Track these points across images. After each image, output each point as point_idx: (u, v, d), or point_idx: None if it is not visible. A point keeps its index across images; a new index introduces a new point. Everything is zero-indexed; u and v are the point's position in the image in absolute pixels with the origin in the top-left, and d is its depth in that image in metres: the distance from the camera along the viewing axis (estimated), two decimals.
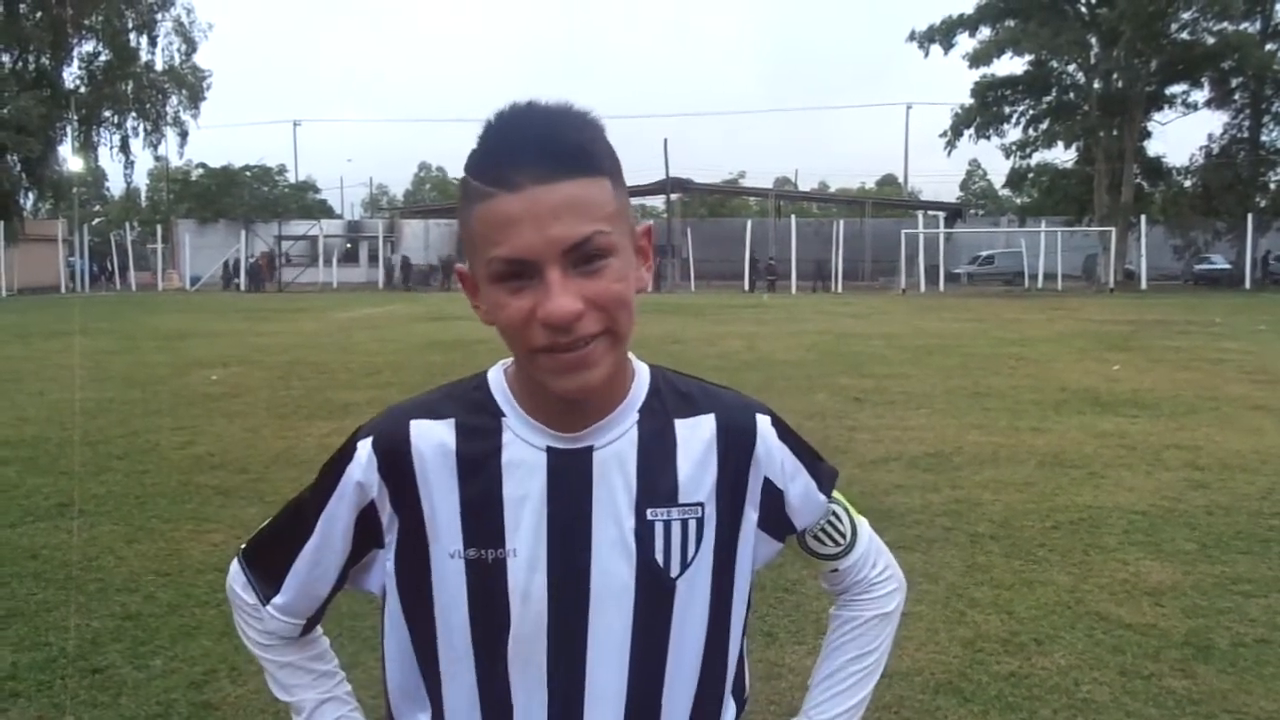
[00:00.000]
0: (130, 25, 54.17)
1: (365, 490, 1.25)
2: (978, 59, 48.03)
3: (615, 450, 1.24)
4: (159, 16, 55.04)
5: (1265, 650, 4.39)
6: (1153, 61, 45.72)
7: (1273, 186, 48.06)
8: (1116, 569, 5.49)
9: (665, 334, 20.29)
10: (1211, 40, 44.56)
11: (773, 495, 1.32)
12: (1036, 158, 52.13)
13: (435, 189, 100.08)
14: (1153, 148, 50.19)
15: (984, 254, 53.57)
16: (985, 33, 48.24)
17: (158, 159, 62.60)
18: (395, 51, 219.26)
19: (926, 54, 49.93)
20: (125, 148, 56.02)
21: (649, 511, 1.24)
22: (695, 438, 1.28)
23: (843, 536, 1.43)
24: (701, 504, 1.26)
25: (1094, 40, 46.53)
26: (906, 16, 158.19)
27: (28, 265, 47.43)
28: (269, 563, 1.36)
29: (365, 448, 1.26)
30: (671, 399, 1.29)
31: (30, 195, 54.07)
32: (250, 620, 1.39)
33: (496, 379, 1.28)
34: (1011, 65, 49.33)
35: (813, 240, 50.68)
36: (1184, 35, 45.38)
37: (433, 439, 1.25)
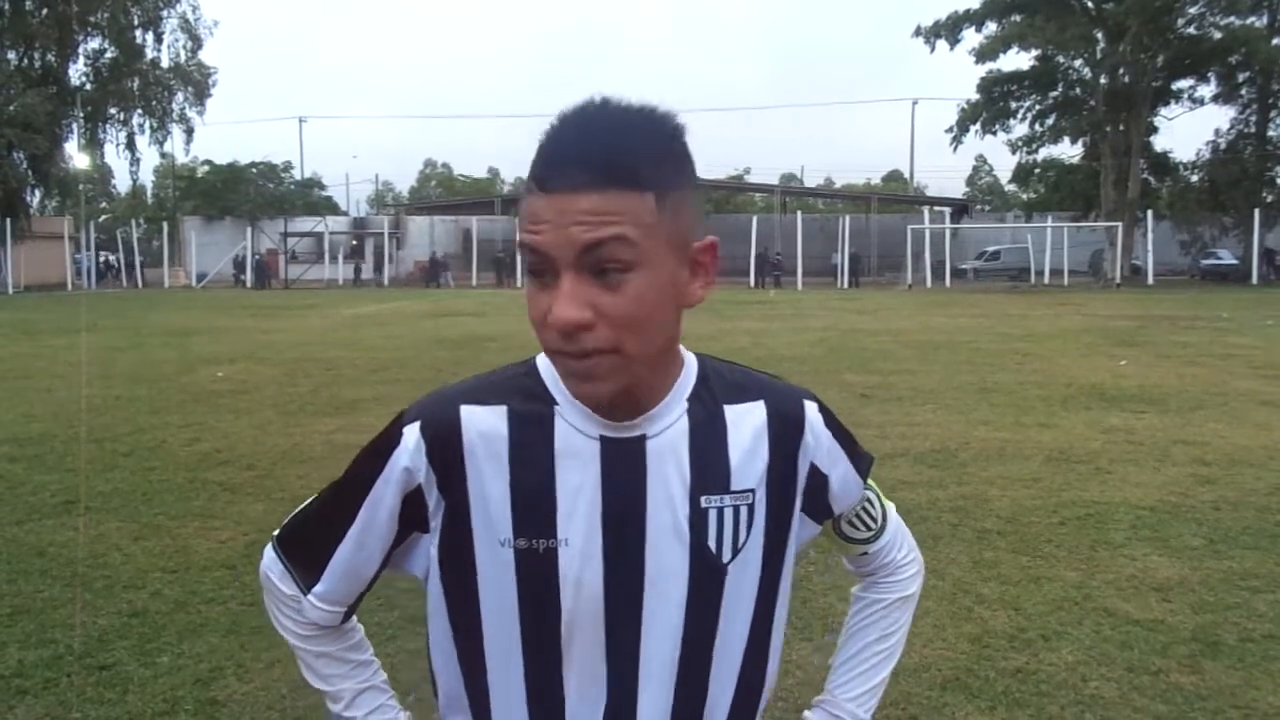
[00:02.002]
0: (136, 22, 54.23)
1: (412, 475, 1.24)
2: (984, 54, 47.96)
3: (668, 439, 1.24)
4: (165, 13, 55.11)
5: (1273, 646, 4.38)
6: (1159, 56, 45.61)
7: (1279, 182, 47.91)
8: (1124, 565, 5.47)
9: None
10: (1218, 35, 44.43)
11: (817, 481, 1.34)
12: (1043, 153, 52.14)
13: (441, 185, 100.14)
14: (1159, 143, 50.18)
15: (990, 250, 53.46)
16: (991, 28, 48.20)
17: (163, 156, 62.89)
18: (401, 47, 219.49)
19: (933, 49, 49.90)
20: (131, 145, 56.16)
21: (703, 499, 1.24)
22: (746, 425, 1.28)
23: (874, 521, 1.46)
24: (752, 490, 1.27)
25: (1100, 35, 46.41)
26: (913, 12, 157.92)
27: (34, 262, 47.52)
28: (309, 551, 1.35)
29: (413, 432, 1.25)
30: (720, 387, 1.30)
31: (37, 192, 54.15)
32: (287, 610, 1.37)
33: (547, 367, 1.27)
34: (1018, 60, 49.34)
35: (818, 236, 50.70)
36: (1191, 30, 45.28)
37: (484, 425, 1.24)
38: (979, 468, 7.64)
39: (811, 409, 1.33)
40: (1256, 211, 42.93)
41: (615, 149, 1.11)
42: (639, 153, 1.12)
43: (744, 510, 1.26)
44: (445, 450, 1.23)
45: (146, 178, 75.11)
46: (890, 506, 1.50)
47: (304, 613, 1.35)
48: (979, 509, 6.57)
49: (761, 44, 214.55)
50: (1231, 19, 43.97)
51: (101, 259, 56.58)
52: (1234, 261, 47.15)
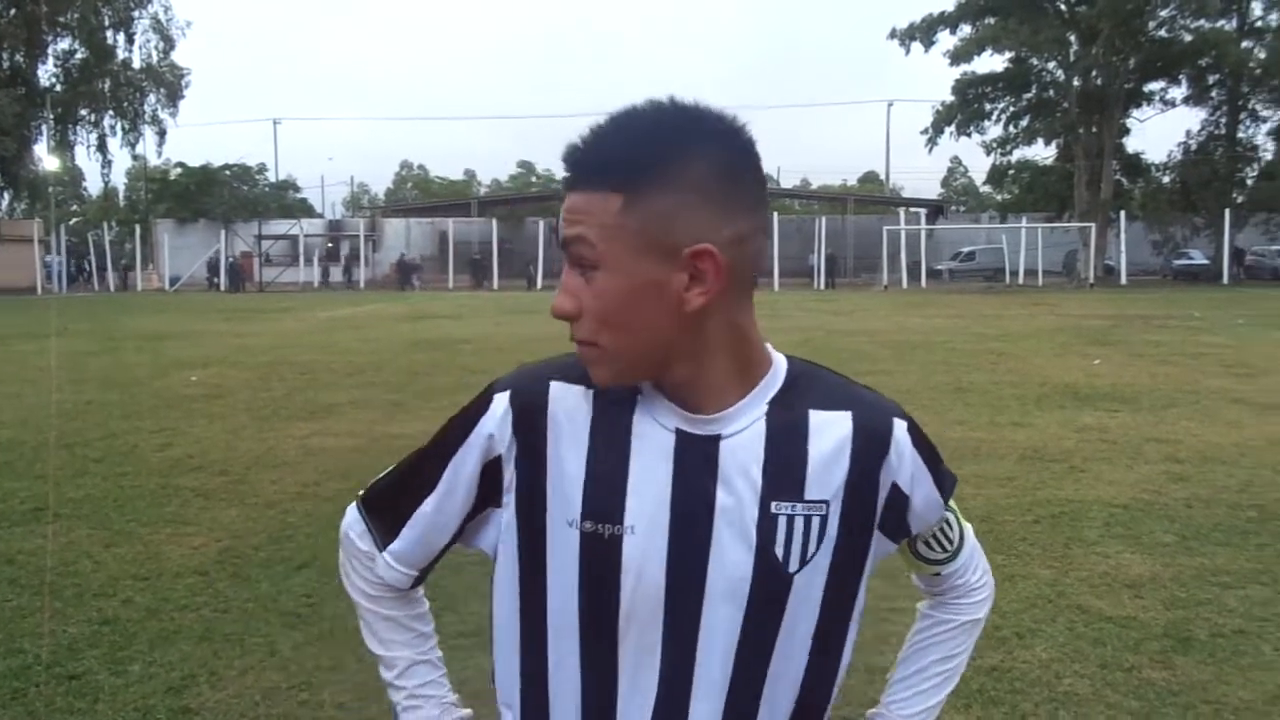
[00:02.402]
0: (107, 22, 53.81)
1: (495, 443, 1.27)
2: (958, 56, 48.22)
3: (743, 440, 1.23)
4: (136, 14, 54.69)
5: (1243, 641, 4.42)
6: (1131, 59, 45.93)
7: (1249, 182, 48.35)
8: (1097, 562, 5.51)
9: None
10: (1189, 38, 44.86)
11: (898, 500, 1.30)
12: (1017, 154, 52.46)
13: (417, 187, 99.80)
14: (1132, 144, 50.52)
15: (965, 250, 53.74)
16: (966, 30, 48.43)
17: (136, 158, 62.40)
18: (377, 49, 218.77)
19: (908, 51, 50.02)
20: (102, 147, 55.74)
21: (773, 504, 1.23)
22: (829, 434, 1.26)
23: (950, 543, 1.44)
24: (827, 502, 1.25)
25: (1073, 38, 46.71)
26: (888, 14, 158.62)
27: (3, 266, 47.11)
28: (389, 510, 1.37)
29: (502, 401, 1.28)
30: (809, 392, 1.28)
31: (5, 195, 53.72)
32: (360, 568, 1.40)
33: None
34: (992, 63, 49.59)
35: (795, 237, 50.83)
36: (1162, 33, 45.62)
37: (570, 403, 1.26)
38: (954, 467, 7.47)
39: (900, 427, 1.30)
40: (1227, 212, 43.37)
41: (591, 150, 1.16)
42: (611, 154, 1.15)
43: (816, 521, 1.24)
44: (530, 422, 1.26)
45: (118, 180, 74.48)
46: (968, 528, 1.47)
47: (377, 571, 1.38)
48: None
49: (737, 44, 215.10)
50: (1201, 22, 44.38)
51: (73, 263, 56.06)
52: (1205, 261, 47.61)
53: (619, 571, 1.22)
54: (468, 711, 1.44)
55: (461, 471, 1.29)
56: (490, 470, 1.27)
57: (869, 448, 1.27)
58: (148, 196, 67.41)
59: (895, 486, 1.29)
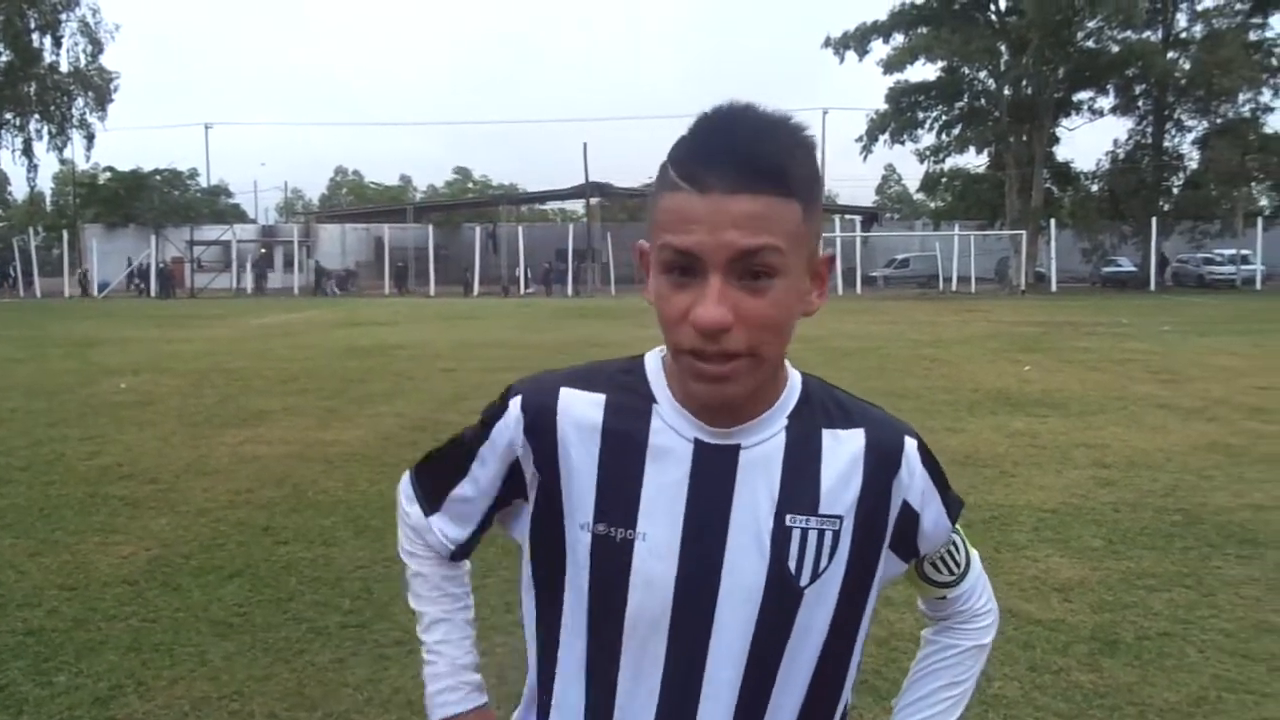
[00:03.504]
0: (33, 25, 52.71)
1: (513, 448, 1.31)
2: (891, 65, 48.76)
3: (762, 452, 1.24)
4: (63, 17, 53.59)
5: (1168, 643, 4.50)
6: (1060, 69, 46.74)
7: (1175, 191, 49.34)
8: (1026, 566, 5.59)
9: (585, 338, 20.28)
10: (1116, 48, 45.74)
11: (908, 519, 1.32)
12: (949, 163, 53.14)
13: (352, 193, 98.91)
14: (1061, 153, 51.49)
15: (899, 257, 54.35)
16: (899, 39, 49.01)
17: (63, 162, 61.03)
18: (310, 53, 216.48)
19: (842, 60, 50.56)
20: (28, 151, 54.53)
21: (788, 517, 1.24)
22: (842, 450, 1.27)
23: (958, 566, 1.45)
24: (840, 517, 1.26)
25: (1004, 47, 47.46)
26: (822, 23, 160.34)
27: None
28: (432, 485, 1.45)
29: (516, 405, 1.31)
30: (822, 409, 1.30)
31: None
32: (407, 528, 1.48)
33: (654, 365, 1.30)
34: (924, 72, 50.24)
35: None
36: (1090, 43, 46.52)
37: (580, 410, 1.28)
38: None
39: (911, 445, 1.32)
40: (1154, 220, 44.24)
41: (771, 154, 1.13)
42: (791, 160, 1.14)
43: (829, 535, 1.25)
44: (541, 428, 1.28)
45: (45, 184, 73.17)
46: (974, 554, 1.49)
47: (420, 533, 1.46)
48: None
49: (671, 51, 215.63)
50: (1128, 33, 45.25)
51: None
52: (1133, 269, 48.52)
53: (628, 576, 1.23)
54: (476, 677, 1.47)
55: (485, 468, 1.35)
56: (514, 468, 1.32)
57: (881, 465, 1.29)
58: (76, 201, 66.18)
59: (906, 504, 1.31)
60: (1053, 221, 46.05)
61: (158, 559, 5.80)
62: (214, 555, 5.86)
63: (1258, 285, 44.19)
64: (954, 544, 1.42)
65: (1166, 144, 49.34)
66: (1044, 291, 43.39)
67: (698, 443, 1.23)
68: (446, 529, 1.42)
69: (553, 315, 29.35)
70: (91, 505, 7.01)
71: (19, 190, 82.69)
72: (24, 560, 5.79)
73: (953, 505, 1.38)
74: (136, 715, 3.90)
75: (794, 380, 1.30)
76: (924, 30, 47.96)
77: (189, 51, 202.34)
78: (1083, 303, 35.00)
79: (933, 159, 52.33)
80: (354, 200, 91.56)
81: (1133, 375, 13.81)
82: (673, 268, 1.13)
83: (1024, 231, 45.17)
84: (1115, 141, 51.25)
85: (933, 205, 61.09)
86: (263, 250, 57.09)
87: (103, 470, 8.11)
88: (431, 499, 1.43)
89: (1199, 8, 46.35)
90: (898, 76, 49.79)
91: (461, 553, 1.45)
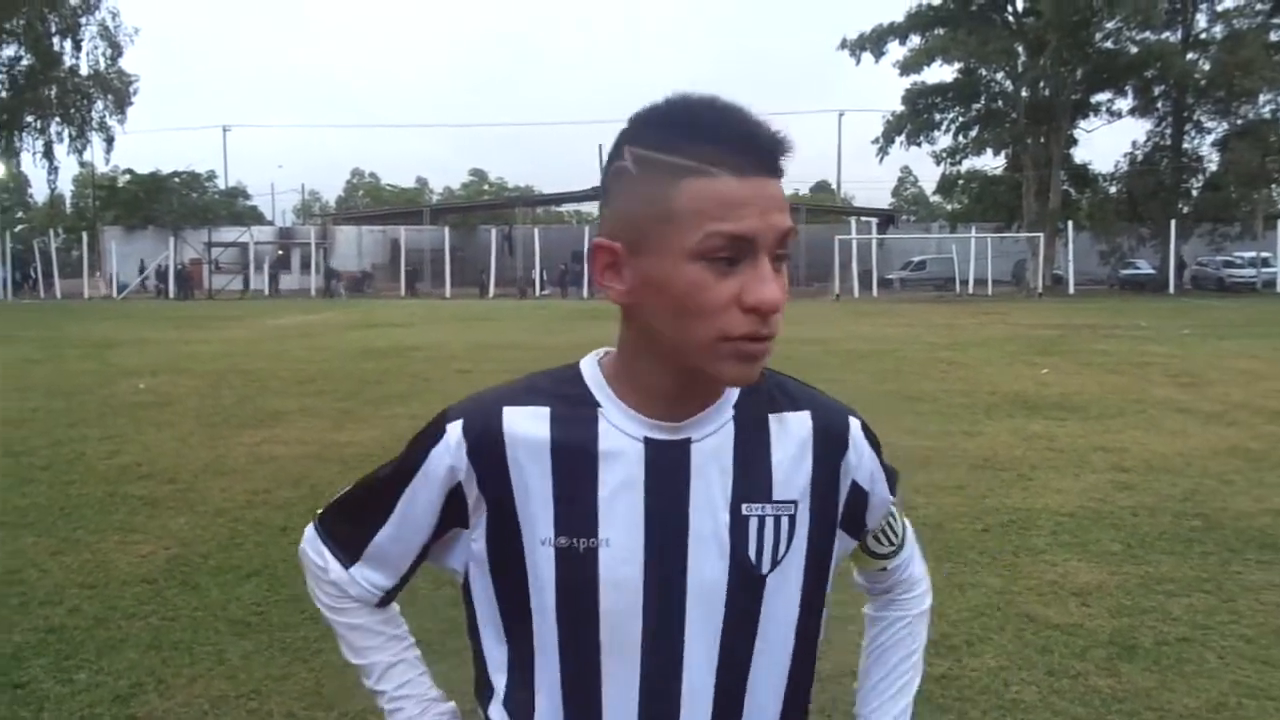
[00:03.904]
0: (53, 29, 52.98)
1: (454, 472, 1.25)
2: (908, 67, 48.58)
3: (713, 443, 1.24)
4: (84, 20, 53.84)
5: (1187, 649, 4.48)
6: (1078, 70, 46.50)
7: (1195, 193, 49.10)
8: (1044, 570, 5.57)
9: (600, 339, 20.08)
10: (1135, 49, 45.42)
11: (858, 497, 1.34)
12: (966, 164, 52.85)
13: (368, 195, 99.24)
14: (1079, 155, 51.17)
15: (916, 260, 54.18)
16: (915, 41, 48.80)
17: (83, 165, 61.36)
18: (327, 56, 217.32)
19: (858, 62, 50.37)
20: (49, 153, 54.72)
21: (744, 506, 1.24)
22: (791, 435, 1.28)
23: (896, 536, 1.47)
24: (795, 501, 1.27)
25: (1021, 49, 47.24)
26: (838, 24, 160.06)
27: None
28: (348, 533, 1.37)
29: (455, 430, 1.25)
30: (768, 394, 1.29)
31: None
32: (323, 585, 1.39)
33: (591, 371, 1.28)
34: (941, 73, 50.02)
35: None
36: (1108, 44, 46.20)
37: (527, 426, 1.24)
38: (905, 475, 7.55)
39: (855, 426, 1.33)
40: (1173, 222, 44.00)
41: (783, 138, 1.13)
42: (789, 143, 1.14)
43: (785, 521, 1.26)
44: (487, 450, 1.24)
45: (65, 187, 73.46)
46: (907, 521, 1.51)
47: (342, 588, 1.37)
48: (905, 516, 6.63)
49: (687, 54, 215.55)
50: (1147, 34, 44.95)
51: (18, 271, 55.13)
52: (1152, 271, 48.25)
53: (596, 584, 1.21)
54: (450, 705, 1.43)
55: (416, 502, 1.28)
56: (453, 496, 1.26)
57: (830, 447, 1.30)
58: (95, 204, 66.54)
59: (855, 484, 1.33)
60: (1070, 224, 45.80)
61: (176, 558, 5.83)
62: (232, 555, 5.89)
63: (1278, 288, 43.91)
64: (892, 514, 1.44)
65: (1186, 145, 49.03)
66: (1061, 294, 43.21)
67: (648, 441, 1.22)
68: (372, 577, 1.35)
69: (568, 317, 29.36)
70: (111, 504, 7.06)
71: (39, 193, 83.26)
72: (46, 558, 5.83)
73: (891, 477, 1.40)
74: (156, 713, 3.93)
75: None
76: (941, 32, 47.77)
77: (207, 55, 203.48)
78: (1101, 305, 34.86)
79: (949, 161, 52.16)
80: (370, 202, 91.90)
81: (1152, 379, 13.74)
82: (718, 255, 1.10)
83: (1041, 234, 44.97)
84: (1134, 143, 50.96)
85: (949, 207, 60.90)
86: (280, 252, 57.33)
87: (122, 470, 8.16)
88: (350, 549, 1.36)
89: (1219, 8, 45.98)
90: (914, 78, 49.63)
91: (390, 597, 1.39)
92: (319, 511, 1.43)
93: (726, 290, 1.10)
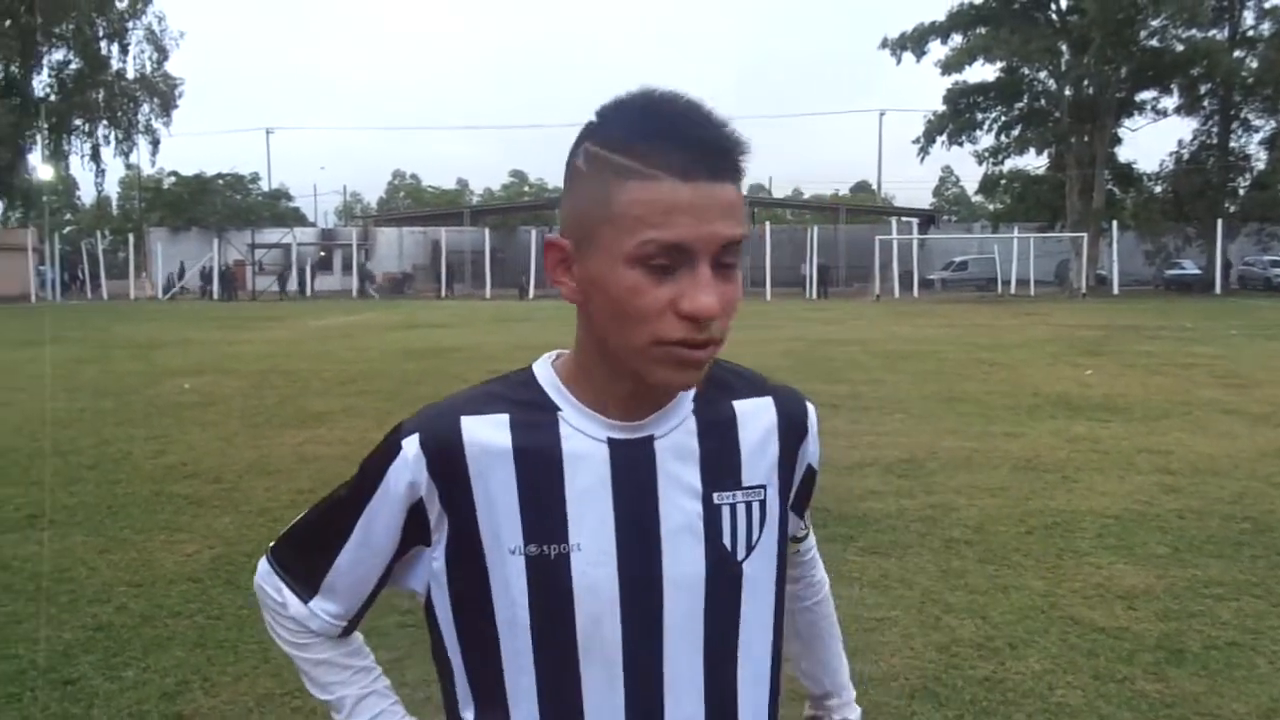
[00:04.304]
0: (101, 33, 53.87)
1: (414, 488, 1.21)
2: (950, 66, 48.38)
3: (677, 437, 1.23)
4: (130, 24, 54.77)
5: (1236, 653, 4.42)
6: (1123, 68, 46.10)
7: (1242, 192, 48.49)
8: (1090, 573, 5.52)
9: None
10: (1181, 47, 44.96)
11: (809, 479, 1.37)
12: (1009, 164, 52.56)
13: (409, 196, 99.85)
14: (1123, 154, 50.75)
15: (957, 260, 53.89)
16: (957, 40, 48.62)
17: (129, 167, 62.26)
18: (369, 58, 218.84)
19: (899, 61, 50.29)
20: (96, 156, 55.72)
21: (715, 495, 1.24)
22: (755, 420, 1.29)
23: (809, 517, 1.50)
24: (764, 485, 1.27)
25: (1064, 47, 46.92)
26: (879, 24, 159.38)
27: None
28: (304, 563, 1.32)
29: (412, 445, 1.21)
30: (728, 385, 1.30)
31: (0, 204, 53.61)
32: (282, 620, 1.35)
33: (545, 374, 1.26)
34: (983, 72, 49.81)
35: (787, 247, 50.90)
36: (1153, 42, 45.77)
37: (486, 436, 1.21)
38: (946, 477, 7.69)
39: (811, 411, 1.35)
40: (1219, 222, 43.45)
41: (736, 140, 1.11)
42: (742, 144, 1.12)
43: (756, 506, 1.26)
44: (447, 463, 1.20)
45: (112, 189, 74.46)
46: None
47: (302, 623, 1.32)
48: (947, 518, 6.61)
49: (729, 54, 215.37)
50: (1193, 31, 44.50)
51: (66, 272, 55.93)
52: (1198, 271, 47.68)
53: (570, 590, 1.19)
54: None
55: (376, 522, 1.24)
56: (414, 513, 1.22)
57: (792, 431, 1.31)
58: (141, 205, 67.41)
59: (809, 467, 1.36)
60: (1114, 223, 45.33)
61: (221, 557, 5.89)
62: None
63: None
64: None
65: (1233, 144, 48.49)
66: (1105, 295, 42.79)
67: (611, 441, 1.21)
68: (331, 608, 1.31)
69: None
70: (157, 503, 7.14)
71: (87, 195, 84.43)
72: (94, 557, 5.91)
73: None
74: (202, 710, 3.97)
75: None
76: (983, 30, 47.50)
77: (251, 57, 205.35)
78: (1145, 306, 34.47)
79: (991, 160, 51.89)
80: (411, 204, 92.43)
81: (1197, 380, 13.58)
82: (653, 261, 1.08)
83: (1085, 234, 44.60)
84: (1179, 142, 50.44)
85: (991, 207, 60.45)
86: (321, 253, 57.80)
87: (167, 469, 8.25)
88: (307, 582, 1.31)
89: (1267, 5, 45.40)
90: (956, 77, 49.48)
91: (353, 626, 1.35)
92: (271, 544, 1.38)
93: (663, 296, 1.08)
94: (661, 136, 1.07)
